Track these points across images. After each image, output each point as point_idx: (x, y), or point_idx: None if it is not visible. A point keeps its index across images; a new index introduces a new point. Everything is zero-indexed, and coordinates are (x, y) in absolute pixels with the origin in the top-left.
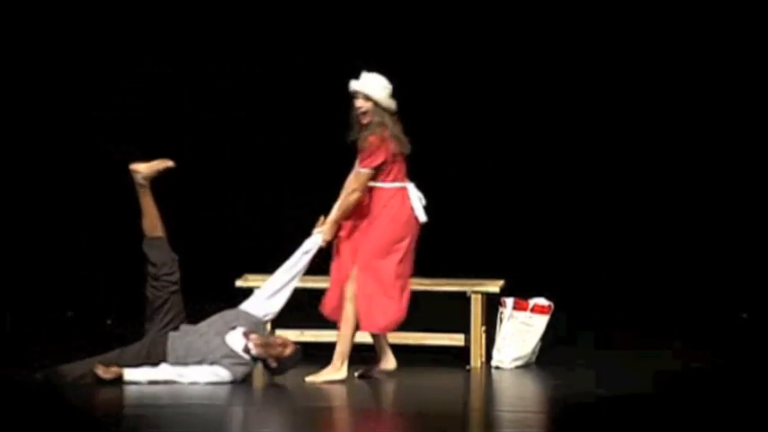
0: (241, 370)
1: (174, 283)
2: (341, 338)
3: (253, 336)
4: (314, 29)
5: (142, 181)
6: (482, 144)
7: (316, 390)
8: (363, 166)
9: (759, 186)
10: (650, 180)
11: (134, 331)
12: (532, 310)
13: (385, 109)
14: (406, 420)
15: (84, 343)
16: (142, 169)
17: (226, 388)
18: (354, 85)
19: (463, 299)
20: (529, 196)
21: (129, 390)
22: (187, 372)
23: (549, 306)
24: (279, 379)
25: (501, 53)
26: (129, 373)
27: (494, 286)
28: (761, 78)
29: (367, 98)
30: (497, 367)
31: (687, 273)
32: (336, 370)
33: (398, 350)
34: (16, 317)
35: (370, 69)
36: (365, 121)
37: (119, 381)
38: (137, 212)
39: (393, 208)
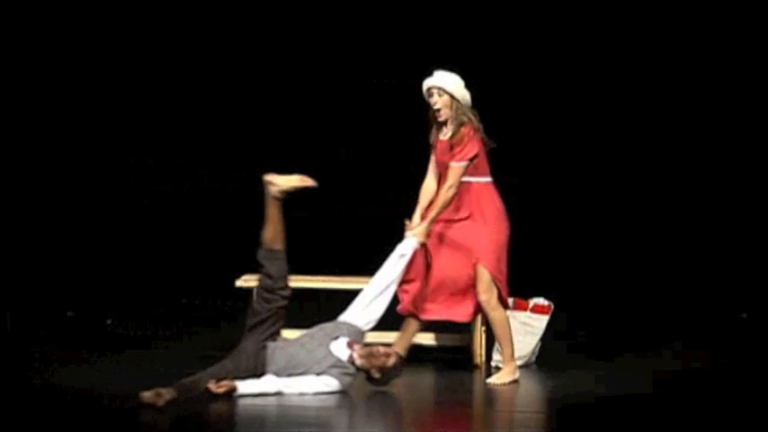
0: (348, 380)
1: (286, 298)
2: (504, 341)
3: (357, 346)
4: (311, 28)
5: (277, 194)
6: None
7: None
8: (459, 159)
9: (759, 186)
10: (650, 180)
11: (134, 331)
12: (532, 310)
13: (462, 102)
14: (405, 420)
15: (84, 343)
16: (280, 183)
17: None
18: (427, 81)
19: None
20: (529, 196)
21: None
22: (294, 383)
23: (549, 306)
24: None
25: (501, 54)
26: (242, 387)
27: None
28: (761, 79)
29: (442, 92)
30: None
31: (687, 273)
32: (513, 371)
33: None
34: (16, 317)
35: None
36: (443, 117)
37: (231, 394)
38: (136, 213)
39: (498, 201)
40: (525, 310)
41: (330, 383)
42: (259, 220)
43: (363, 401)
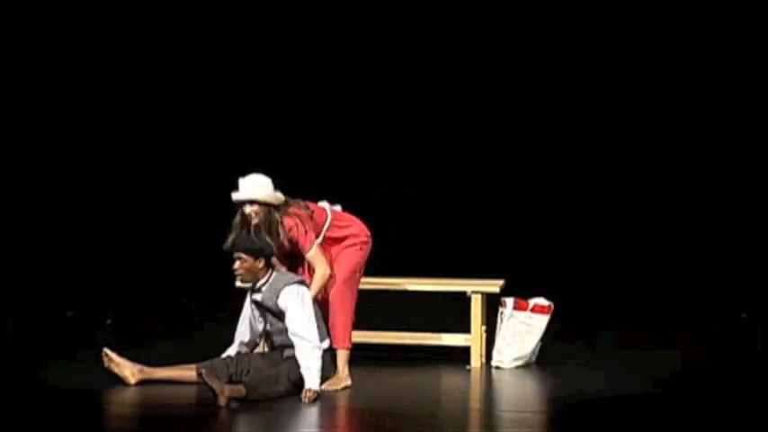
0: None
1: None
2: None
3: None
4: (310, 31)
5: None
6: (481, 145)
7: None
8: (309, 248)
9: (759, 187)
10: (650, 180)
11: (134, 331)
12: (532, 310)
13: (274, 202)
14: (406, 420)
15: (84, 343)
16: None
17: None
18: (235, 195)
19: (463, 299)
20: (529, 196)
21: None
22: (301, 329)
23: (549, 306)
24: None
25: (502, 51)
26: (315, 385)
27: (494, 286)
28: (761, 79)
29: (254, 203)
30: (497, 367)
31: (687, 273)
32: (346, 377)
33: (399, 350)
34: (16, 317)
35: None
36: (255, 221)
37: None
38: (137, 213)
39: (347, 230)
40: (525, 310)
41: (297, 293)
42: None
43: (363, 401)
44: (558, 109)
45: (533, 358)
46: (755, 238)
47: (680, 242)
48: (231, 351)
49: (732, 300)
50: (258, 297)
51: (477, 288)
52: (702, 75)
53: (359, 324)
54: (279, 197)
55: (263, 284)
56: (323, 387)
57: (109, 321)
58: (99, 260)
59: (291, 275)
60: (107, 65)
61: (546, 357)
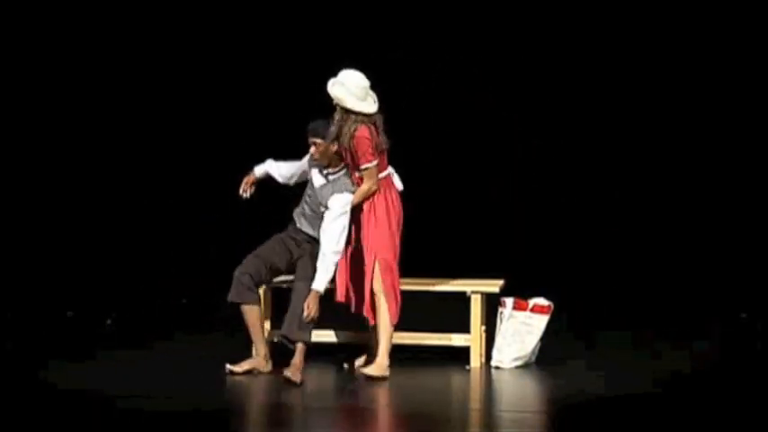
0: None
1: None
2: (384, 333)
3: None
4: (310, 31)
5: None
6: (482, 145)
7: (317, 389)
8: (364, 163)
9: (758, 187)
10: (650, 180)
11: (134, 331)
12: (532, 310)
13: (351, 109)
14: (406, 420)
15: (84, 343)
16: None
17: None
18: (328, 85)
19: (463, 299)
20: (529, 197)
21: None
22: (331, 232)
23: (549, 306)
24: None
25: (502, 51)
26: (321, 287)
27: (494, 286)
28: (761, 78)
29: (336, 100)
30: (497, 367)
31: (687, 273)
32: (384, 368)
33: (398, 350)
34: (16, 317)
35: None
36: (337, 117)
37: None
38: (136, 213)
39: (390, 194)
40: (525, 310)
41: (347, 201)
42: (259, 221)
43: (363, 401)
44: (558, 109)
45: (533, 358)
46: (755, 238)
47: (680, 242)
48: (259, 169)
49: (732, 300)
50: (322, 181)
51: (477, 288)
52: (702, 75)
53: (359, 324)
54: (361, 108)
55: (332, 174)
56: (363, 371)
57: (109, 321)
58: (99, 260)
59: (354, 187)
60: (107, 65)
61: (546, 357)
